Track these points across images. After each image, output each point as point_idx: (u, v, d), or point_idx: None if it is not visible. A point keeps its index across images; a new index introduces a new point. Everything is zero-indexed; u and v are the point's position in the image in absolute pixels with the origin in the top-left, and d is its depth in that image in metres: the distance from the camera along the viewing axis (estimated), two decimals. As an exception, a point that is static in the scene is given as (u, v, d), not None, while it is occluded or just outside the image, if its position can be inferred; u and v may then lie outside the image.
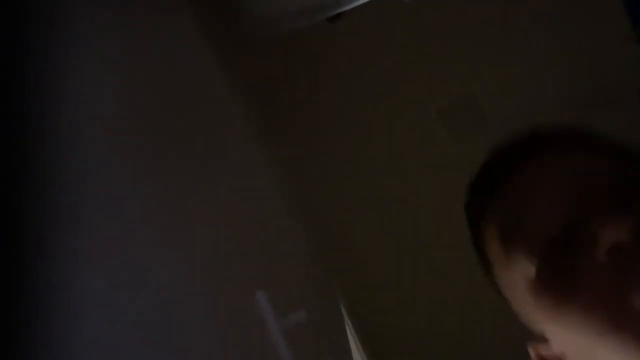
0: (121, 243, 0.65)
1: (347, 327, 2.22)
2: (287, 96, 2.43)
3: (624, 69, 2.38)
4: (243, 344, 0.94)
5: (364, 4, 1.68)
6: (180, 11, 1.59)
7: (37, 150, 0.56)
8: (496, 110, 2.45)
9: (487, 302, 2.65)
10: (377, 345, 2.46)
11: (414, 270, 2.50)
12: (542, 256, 0.58)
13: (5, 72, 0.55)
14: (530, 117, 2.50)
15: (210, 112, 1.40)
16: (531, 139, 0.67)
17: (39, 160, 0.55)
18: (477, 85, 2.44)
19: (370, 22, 2.37)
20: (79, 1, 0.81)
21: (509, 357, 2.56)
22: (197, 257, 0.90)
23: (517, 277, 0.62)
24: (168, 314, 0.70)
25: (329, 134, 2.46)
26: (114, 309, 0.59)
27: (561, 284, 0.56)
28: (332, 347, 1.74)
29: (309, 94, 2.44)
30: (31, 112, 0.57)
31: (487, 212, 0.67)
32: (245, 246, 1.20)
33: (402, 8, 2.38)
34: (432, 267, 2.50)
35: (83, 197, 0.61)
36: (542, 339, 0.64)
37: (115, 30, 0.94)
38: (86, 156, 0.65)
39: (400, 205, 2.49)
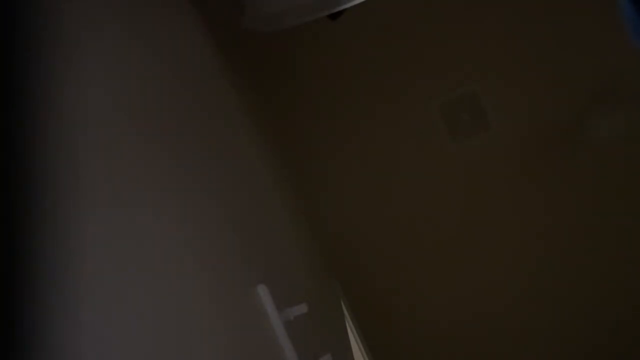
0: (124, 240, 0.66)
1: (347, 322, 2.23)
2: (288, 92, 2.44)
3: (624, 69, 2.38)
4: (244, 337, 0.95)
5: (365, 1, 1.68)
6: (183, 7, 1.59)
7: (37, 148, 0.56)
8: (498, 108, 2.45)
9: (486, 299, 2.67)
10: (376, 339, 2.47)
11: (414, 266, 2.51)
12: None
13: (6, 71, 0.55)
14: (532, 115, 2.53)
15: (211, 109, 1.41)
16: None
17: (39, 159, 0.56)
18: (479, 83, 2.45)
19: (372, 19, 2.38)
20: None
21: (507, 353, 2.58)
22: (200, 251, 0.91)
23: None
24: (170, 307, 0.71)
25: (330, 130, 2.46)
26: (117, 304, 0.59)
27: None
28: (333, 340, 1.75)
29: (310, 89, 2.45)
30: (31, 111, 0.58)
31: None
32: (247, 241, 1.21)
33: (403, 5, 2.39)
34: (432, 263, 2.51)
35: (85, 194, 0.61)
36: None
37: (116, 29, 0.94)
38: (89, 153, 0.66)
39: (401, 201, 2.49)
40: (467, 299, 2.50)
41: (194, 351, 0.72)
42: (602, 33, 2.33)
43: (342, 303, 2.31)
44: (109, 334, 0.55)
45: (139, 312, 0.63)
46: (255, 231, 1.33)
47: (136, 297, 0.63)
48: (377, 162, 2.48)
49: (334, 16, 1.85)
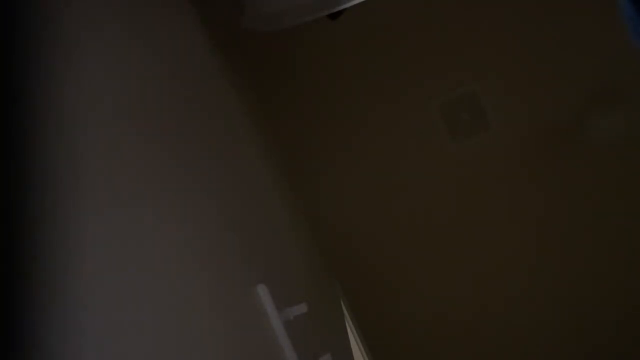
0: (124, 240, 0.66)
1: (347, 322, 2.23)
2: (288, 92, 2.44)
3: (624, 69, 2.38)
4: (244, 337, 0.95)
5: (365, 1, 1.68)
6: (183, 7, 1.59)
7: (37, 148, 0.56)
8: (498, 108, 2.45)
9: (486, 299, 2.67)
10: (376, 339, 2.47)
11: (414, 266, 2.51)
12: None
13: (6, 71, 0.55)
14: (532, 115, 2.53)
15: (211, 109, 1.41)
16: None
17: (39, 159, 0.56)
18: (479, 83, 2.45)
19: (372, 19, 2.38)
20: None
21: (507, 353, 2.58)
22: (200, 251, 0.91)
23: None
24: (170, 307, 0.71)
25: (330, 130, 2.46)
26: (118, 304, 0.59)
27: None
28: (333, 340, 1.75)
29: (309, 89, 2.45)
30: (31, 111, 0.57)
31: None
32: (247, 241, 1.21)
33: (403, 6, 2.39)
34: (432, 263, 2.51)
35: (85, 194, 0.61)
36: None
37: (116, 29, 0.94)
38: (89, 153, 0.66)
39: (401, 201, 2.49)
40: (467, 299, 2.50)
41: (194, 351, 0.72)
42: (602, 33, 2.33)
43: (342, 303, 2.31)
44: (109, 335, 0.55)
45: (139, 313, 0.63)
46: (255, 231, 1.32)
47: (136, 298, 0.63)
48: (377, 162, 2.48)
49: (334, 16, 1.85)
